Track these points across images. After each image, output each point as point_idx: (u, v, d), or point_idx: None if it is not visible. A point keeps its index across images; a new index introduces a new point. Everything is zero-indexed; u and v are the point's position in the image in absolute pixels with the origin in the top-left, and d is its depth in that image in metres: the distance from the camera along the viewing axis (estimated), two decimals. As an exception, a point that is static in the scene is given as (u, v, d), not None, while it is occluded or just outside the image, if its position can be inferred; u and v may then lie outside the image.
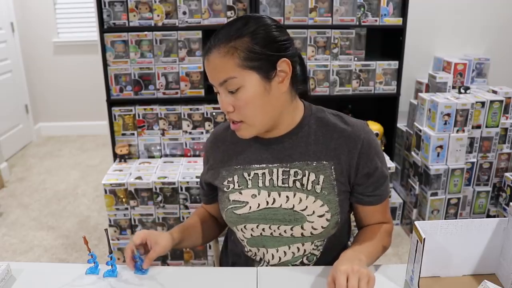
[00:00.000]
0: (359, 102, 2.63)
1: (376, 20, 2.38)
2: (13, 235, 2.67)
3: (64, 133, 4.52)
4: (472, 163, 2.51)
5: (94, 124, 4.42)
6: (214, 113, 2.42)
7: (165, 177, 2.22)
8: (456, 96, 2.45)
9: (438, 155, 2.40)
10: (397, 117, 2.56)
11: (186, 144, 2.47)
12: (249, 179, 1.07)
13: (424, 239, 0.87)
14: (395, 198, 2.64)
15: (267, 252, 1.10)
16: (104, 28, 2.28)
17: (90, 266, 1.05)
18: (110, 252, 1.03)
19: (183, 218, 2.25)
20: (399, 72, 2.47)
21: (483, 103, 2.41)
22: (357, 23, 2.37)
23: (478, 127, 2.46)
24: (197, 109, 2.41)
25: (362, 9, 2.36)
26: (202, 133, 2.45)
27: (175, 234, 1.10)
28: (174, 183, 2.20)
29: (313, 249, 1.09)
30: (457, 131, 2.38)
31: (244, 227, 1.08)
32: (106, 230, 1.00)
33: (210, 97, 2.42)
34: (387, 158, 2.43)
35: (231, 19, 1.05)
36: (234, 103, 0.96)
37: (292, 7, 2.31)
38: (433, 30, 2.88)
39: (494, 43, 2.92)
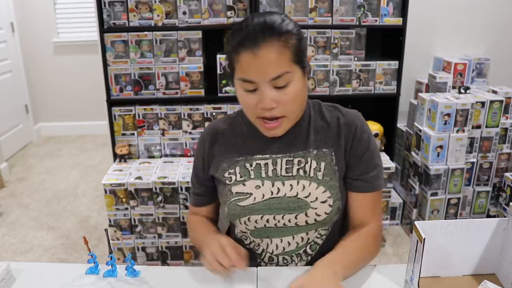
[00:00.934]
0: (359, 102, 2.61)
1: (376, 20, 2.38)
2: (13, 235, 2.67)
3: (64, 133, 4.52)
4: (472, 163, 2.51)
5: (94, 124, 4.42)
6: (214, 113, 2.42)
7: (165, 177, 2.22)
8: (456, 96, 2.45)
9: (438, 155, 2.40)
10: (397, 117, 2.56)
11: (186, 144, 2.47)
12: (251, 169, 1.08)
13: (424, 239, 0.87)
14: (395, 198, 2.64)
15: (271, 242, 1.10)
16: (104, 28, 2.28)
17: (90, 266, 1.06)
18: (110, 252, 1.03)
19: (183, 218, 2.25)
20: (399, 72, 2.47)
21: (483, 103, 2.41)
22: (357, 23, 2.37)
23: (478, 127, 2.46)
24: (197, 109, 2.41)
25: (362, 9, 2.36)
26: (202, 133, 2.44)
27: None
28: (174, 183, 2.20)
29: (316, 237, 1.10)
30: (457, 131, 2.38)
31: (248, 219, 1.08)
32: (106, 230, 1.00)
33: (210, 97, 2.42)
34: (387, 158, 2.44)
35: (262, 12, 1.03)
36: (279, 98, 0.96)
37: (292, 7, 2.31)
38: (433, 30, 2.88)
39: (494, 43, 2.92)
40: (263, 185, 1.07)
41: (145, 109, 2.41)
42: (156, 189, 2.20)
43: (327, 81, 2.44)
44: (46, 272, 1.07)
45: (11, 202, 3.08)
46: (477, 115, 2.43)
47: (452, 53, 2.89)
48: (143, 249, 2.32)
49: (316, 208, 1.05)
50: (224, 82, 2.38)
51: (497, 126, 2.47)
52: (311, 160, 1.06)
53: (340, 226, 1.14)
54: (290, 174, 1.06)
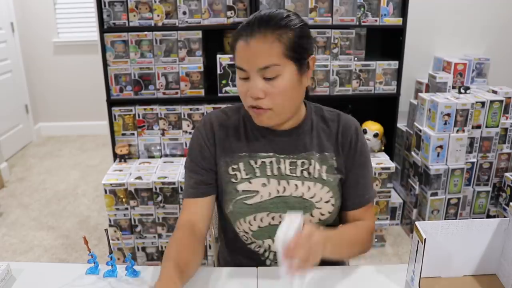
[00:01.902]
0: (359, 102, 2.62)
1: (376, 20, 2.38)
2: (13, 235, 2.67)
3: (64, 133, 4.52)
4: (472, 163, 2.51)
5: (94, 124, 4.41)
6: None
7: (165, 177, 2.21)
8: (456, 96, 2.45)
9: (438, 155, 2.40)
10: (397, 117, 2.56)
11: (186, 144, 2.47)
12: (256, 167, 1.08)
13: (425, 239, 0.87)
14: (395, 198, 2.64)
15: (273, 242, 1.10)
16: (104, 28, 2.28)
17: (90, 266, 1.05)
18: (110, 252, 1.03)
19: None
20: (399, 72, 2.47)
21: (483, 103, 2.41)
22: (357, 23, 2.37)
23: (478, 127, 2.46)
24: (197, 109, 2.41)
25: (362, 9, 2.36)
26: (202, 133, 2.44)
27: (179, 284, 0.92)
28: (174, 183, 2.19)
29: None
30: (457, 131, 2.38)
31: (254, 218, 1.08)
32: (106, 230, 1.00)
33: (210, 97, 2.42)
34: (387, 158, 2.45)
35: (267, 9, 1.04)
36: (267, 90, 0.98)
37: (292, 7, 2.31)
38: (433, 30, 2.88)
39: (494, 43, 2.92)
40: (269, 183, 1.08)
41: (145, 109, 2.41)
42: (156, 189, 2.20)
43: (327, 81, 2.44)
44: (46, 272, 1.07)
45: (11, 202, 3.08)
46: (477, 115, 2.43)
47: (452, 53, 2.89)
48: (143, 249, 2.32)
49: (320, 208, 1.08)
50: (224, 82, 2.38)
51: (497, 126, 2.47)
52: (314, 162, 1.08)
53: (337, 223, 1.17)
54: (294, 175, 1.08)
